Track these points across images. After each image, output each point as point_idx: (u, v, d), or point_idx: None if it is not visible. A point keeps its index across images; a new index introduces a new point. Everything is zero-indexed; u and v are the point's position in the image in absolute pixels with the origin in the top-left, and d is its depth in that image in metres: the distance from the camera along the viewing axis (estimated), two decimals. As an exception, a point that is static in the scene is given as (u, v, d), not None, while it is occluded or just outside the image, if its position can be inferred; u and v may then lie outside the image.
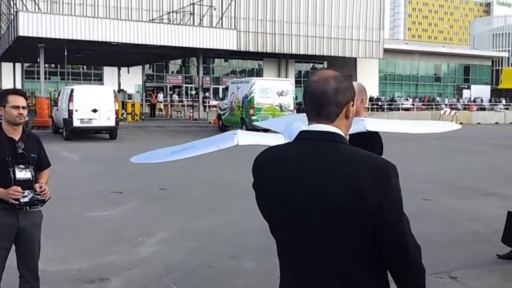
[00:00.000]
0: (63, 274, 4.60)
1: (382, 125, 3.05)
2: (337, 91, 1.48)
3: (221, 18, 28.29)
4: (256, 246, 5.29)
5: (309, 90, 1.51)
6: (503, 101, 51.64)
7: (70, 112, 16.36)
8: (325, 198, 1.42)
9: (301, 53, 41.85)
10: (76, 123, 16.48)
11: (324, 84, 1.48)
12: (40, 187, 3.10)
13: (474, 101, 50.34)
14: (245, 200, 7.26)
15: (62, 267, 4.76)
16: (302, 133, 1.53)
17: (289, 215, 1.49)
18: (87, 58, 30.96)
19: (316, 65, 47.81)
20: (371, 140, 2.84)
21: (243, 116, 19.77)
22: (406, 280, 1.48)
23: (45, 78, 25.11)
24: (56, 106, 18.79)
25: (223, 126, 21.59)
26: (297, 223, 1.47)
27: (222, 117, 21.99)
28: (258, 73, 44.49)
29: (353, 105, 1.53)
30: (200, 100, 28.23)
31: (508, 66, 62.02)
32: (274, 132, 3.25)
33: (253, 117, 18.97)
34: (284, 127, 2.96)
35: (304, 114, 1.59)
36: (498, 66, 62.48)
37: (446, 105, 43.27)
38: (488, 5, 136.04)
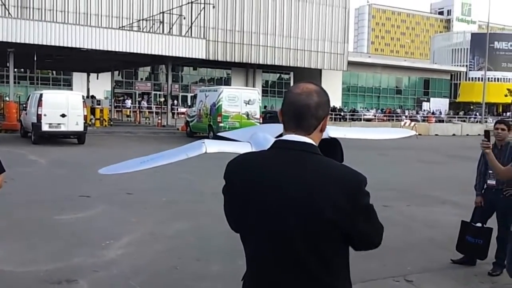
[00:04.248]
0: (30, 275, 4.61)
1: (343, 132, 3.25)
2: (319, 106, 1.52)
3: (191, 27, 28.42)
4: (222, 250, 5.38)
5: (292, 102, 1.52)
6: (477, 114, 51.46)
7: (39, 117, 16.36)
8: (301, 207, 1.44)
9: (268, 63, 42.42)
10: (45, 127, 16.49)
11: (308, 98, 1.51)
12: None
13: (433, 113, 51.90)
14: (212, 206, 7.43)
15: (29, 268, 4.77)
16: (279, 142, 1.53)
17: (263, 221, 1.49)
18: (57, 64, 30.48)
19: (282, 75, 48.47)
20: (333, 147, 3.02)
21: (211, 123, 19.92)
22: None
23: (14, 82, 24.74)
24: (25, 110, 18.71)
25: (191, 132, 21.83)
26: (272, 230, 1.48)
27: (190, 124, 22.08)
28: (226, 81, 44.67)
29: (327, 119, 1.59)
30: (169, 107, 28.21)
31: (466, 80, 64.42)
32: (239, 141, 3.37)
33: (221, 124, 19.20)
34: (249, 136, 3.08)
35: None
36: (457, 80, 64.87)
37: (406, 116, 44.59)
38: (448, 21, 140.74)
